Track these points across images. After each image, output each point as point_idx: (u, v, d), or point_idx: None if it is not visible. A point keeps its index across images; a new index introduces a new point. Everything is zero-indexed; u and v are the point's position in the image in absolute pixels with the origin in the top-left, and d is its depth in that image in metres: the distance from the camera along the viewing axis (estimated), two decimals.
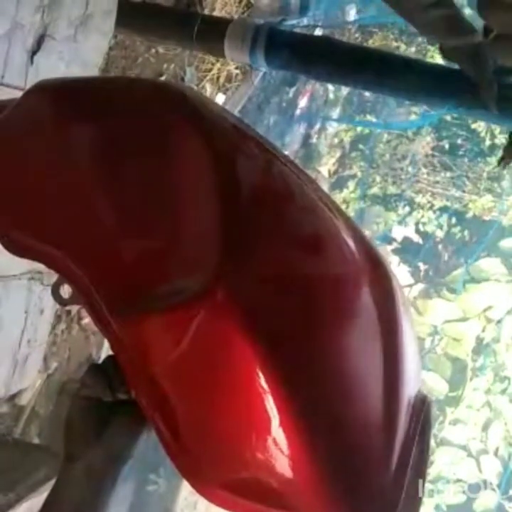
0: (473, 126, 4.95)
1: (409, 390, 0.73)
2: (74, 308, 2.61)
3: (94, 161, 0.74)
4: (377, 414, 0.70)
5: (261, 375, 0.66)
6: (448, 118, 4.59)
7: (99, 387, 0.74)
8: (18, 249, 0.73)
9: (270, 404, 0.66)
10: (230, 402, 0.68)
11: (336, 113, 5.28)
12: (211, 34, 2.10)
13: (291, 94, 4.54)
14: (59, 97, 0.79)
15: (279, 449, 0.66)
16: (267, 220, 0.73)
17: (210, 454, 0.69)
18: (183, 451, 0.68)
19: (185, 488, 4.04)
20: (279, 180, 0.77)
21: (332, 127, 5.37)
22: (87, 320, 2.68)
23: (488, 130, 4.96)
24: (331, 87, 4.92)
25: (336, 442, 0.68)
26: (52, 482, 0.76)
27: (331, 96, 5.13)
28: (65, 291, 0.74)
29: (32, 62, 1.62)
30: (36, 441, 2.54)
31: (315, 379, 0.69)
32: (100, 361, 0.77)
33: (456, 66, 1.77)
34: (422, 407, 0.74)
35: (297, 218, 0.75)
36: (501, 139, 5.03)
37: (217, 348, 0.67)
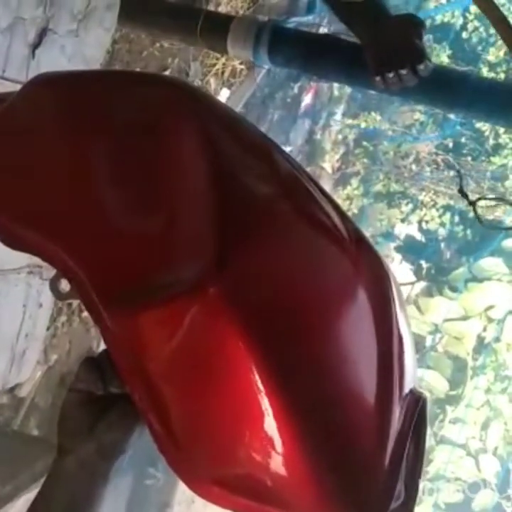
0: (477, 125, 4.93)
1: (404, 387, 0.73)
2: (74, 301, 2.61)
3: (91, 153, 0.74)
4: (370, 412, 0.70)
5: (254, 371, 0.65)
6: (452, 117, 4.58)
7: (92, 381, 0.74)
8: (14, 242, 0.73)
9: (263, 401, 0.65)
10: (223, 398, 0.68)
11: (340, 110, 5.27)
12: (214, 30, 2.10)
13: (295, 90, 4.53)
14: (59, 88, 0.79)
15: (272, 445, 0.66)
16: (263, 211, 0.72)
17: (204, 450, 0.69)
18: (176, 447, 0.68)
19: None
20: (275, 172, 0.76)
21: (336, 124, 5.36)
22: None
23: (493, 129, 4.94)
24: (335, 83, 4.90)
25: (329, 440, 0.68)
26: None
27: (336, 93, 5.12)
28: (64, 285, 0.74)
29: (33, 56, 1.62)
30: (35, 433, 2.54)
31: (308, 377, 0.68)
32: (96, 355, 0.77)
33: None
34: (416, 405, 0.73)
35: (292, 210, 0.74)
36: (505, 139, 5.03)
37: (210, 344, 0.67)
